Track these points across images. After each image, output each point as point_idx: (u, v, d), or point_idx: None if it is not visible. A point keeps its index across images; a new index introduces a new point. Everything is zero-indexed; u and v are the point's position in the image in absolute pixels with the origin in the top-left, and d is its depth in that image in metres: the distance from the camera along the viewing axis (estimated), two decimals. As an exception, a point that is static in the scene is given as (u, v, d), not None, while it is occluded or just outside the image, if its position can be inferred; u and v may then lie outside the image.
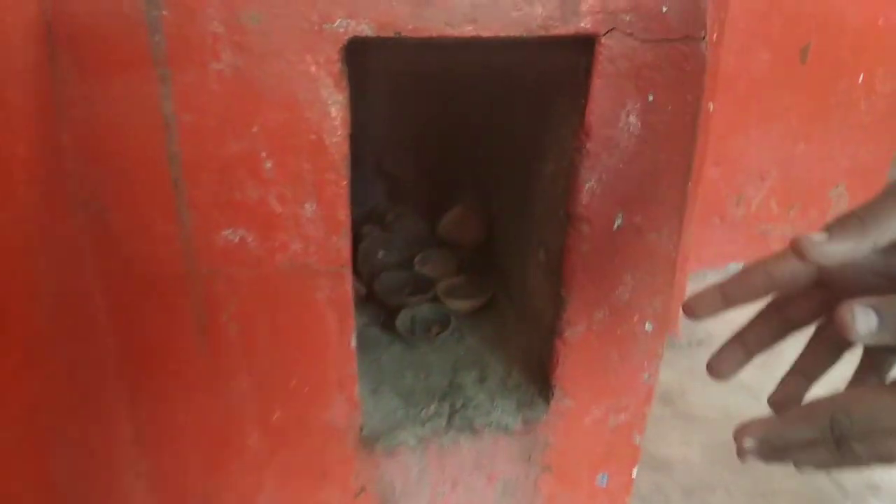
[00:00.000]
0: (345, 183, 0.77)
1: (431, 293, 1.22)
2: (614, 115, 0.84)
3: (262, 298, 0.79)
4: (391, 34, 0.73)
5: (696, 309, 0.44)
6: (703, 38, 0.85)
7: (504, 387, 1.04)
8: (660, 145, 0.87)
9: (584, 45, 0.82)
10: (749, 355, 0.47)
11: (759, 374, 2.09)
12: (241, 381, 0.84)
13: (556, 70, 0.95)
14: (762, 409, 1.62)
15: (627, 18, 0.80)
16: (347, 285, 0.81)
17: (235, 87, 0.70)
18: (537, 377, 1.04)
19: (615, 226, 0.90)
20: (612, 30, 0.80)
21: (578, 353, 0.96)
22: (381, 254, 1.37)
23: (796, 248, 0.36)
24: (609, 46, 0.81)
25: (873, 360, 0.43)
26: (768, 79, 2.30)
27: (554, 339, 0.95)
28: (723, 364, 0.46)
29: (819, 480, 1.68)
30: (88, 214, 0.72)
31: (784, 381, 0.47)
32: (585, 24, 0.79)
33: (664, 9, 0.81)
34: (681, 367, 2.01)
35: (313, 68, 0.71)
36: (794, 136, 2.43)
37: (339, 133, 0.75)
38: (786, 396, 0.46)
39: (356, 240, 1.31)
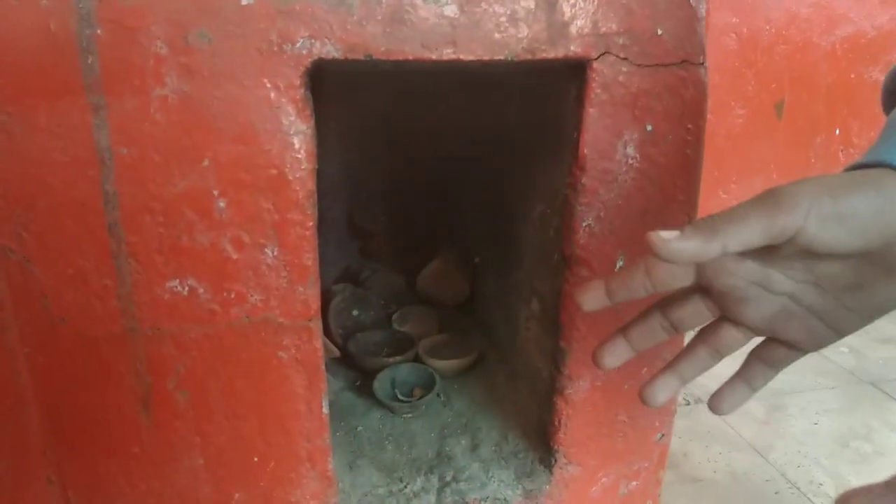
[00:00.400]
0: (311, 224, 0.67)
1: (412, 353, 1.12)
2: (611, 147, 0.77)
3: (216, 360, 0.69)
4: (361, 56, 0.65)
5: (581, 301, 0.44)
6: (703, 63, 0.78)
7: (499, 454, 0.92)
8: (661, 179, 0.79)
9: (575, 70, 0.75)
10: (632, 350, 0.46)
11: (764, 430, 1.98)
12: (194, 460, 0.72)
13: (543, 101, 0.88)
14: (767, 467, 1.50)
15: (620, 41, 0.73)
16: (316, 342, 0.71)
17: (182, 115, 0.62)
18: (537, 442, 0.92)
19: (616, 267, 0.81)
20: (604, 53, 0.73)
21: (583, 413, 0.85)
22: (355, 312, 1.26)
23: (649, 244, 0.36)
24: (602, 72, 0.73)
25: (752, 368, 0.45)
26: (746, 134, 2.31)
27: (554, 397, 0.85)
28: (605, 356, 0.46)
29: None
30: (9, 264, 0.62)
31: (658, 378, 0.46)
32: (575, 48, 0.72)
33: (659, 31, 0.75)
34: (680, 428, 1.89)
35: (273, 94, 0.63)
36: (776, 191, 2.44)
37: (304, 167, 0.66)
38: (655, 391, 0.46)
39: (327, 298, 1.21)
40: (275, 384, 0.71)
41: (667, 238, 0.36)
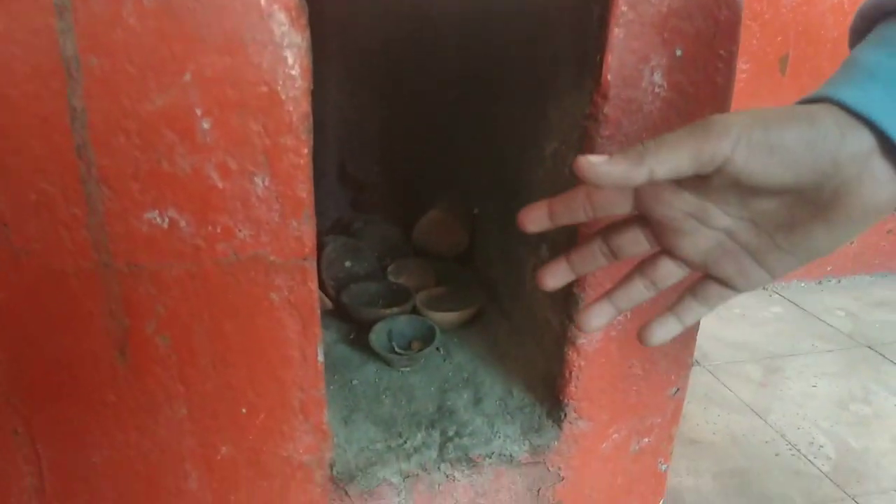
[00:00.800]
0: (306, 151, 0.60)
1: (409, 305, 1.05)
2: (636, 73, 0.70)
3: (201, 301, 0.62)
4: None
5: (525, 222, 0.44)
6: (737, -17, 0.71)
7: (504, 409, 0.87)
8: (690, 110, 0.73)
9: (599, -14, 0.67)
10: (573, 273, 0.46)
11: (761, 392, 1.95)
12: (176, 410, 0.66)
13: (559, 25, 0.80)
14: (767, 429, 1.46)
15: (650, -46, 0.66)
16: (312, 283, 0.64)
17: (160, 21, 0.54)
18: (544, 396, 0.87)
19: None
20: (632, -33, 0.66)
21: (595, 365, 0.80)
22: (347, 263, 1.19)
23: (575, 167, 0.37)
24: (629, -13, 0.66)
25: (685, 303, 0.45)
26: (750, 90, 2.24)
27: (565, 348, 0.79)
28: (546, 277, 0.46)
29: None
30: (-38, 190, 0.55)
31: (593, 305, 0.46)
32: (600, -40, 0.64)
33: (692, -56, 0.67)
34: (678, 388, 1.86)
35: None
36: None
37: (298, 85, 0.58)
38: (589, 317, 0.46)
39: (318, 248, 1.14)
40: (266, 328, 0.65)
41: (594, 162, 0.36)
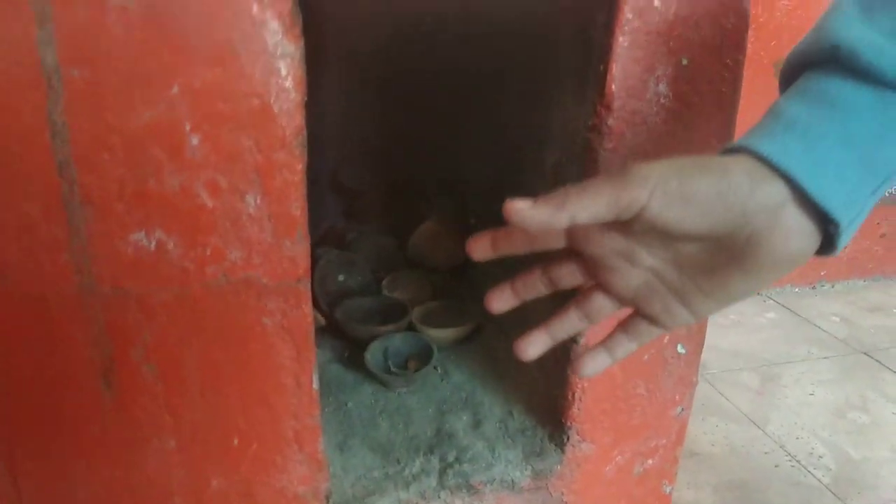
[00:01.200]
0: (300, 167, 0.58)
1: (405, 321, 1.02)
2: (641, 83, 0.67)
3: (190, 327, 0.59)
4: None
5: (471, 250, 0.46)
6: (743, -10, 0.69)
7: (505, 432, 0.84)
8: (695, 121, 0.71)
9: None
10: (516, 298, 0.48)
11: (759, 401, 1.93)
12: (164, 442, 0.62)
13: (563, 29, 0.78)
14: (765, 439, 1.43)
15: (655, -39, 0.64)
16: (306, 306, 0.61)
17: (146, 30, 0.51)
18: (546, 419, 0.84)
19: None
20: (637, -26, 0.63)
21: (599, 386, 0.77)
22: (341, 277, 1.16)
23: (503, 211, 0.39)
24: (634, -5, 0.64)
25: (615, 337, 0.46)
26: (744, 94, 2.23)
27: (568, 370, 0.76)
28: (493, 300, 0.48)
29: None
30: (-66, 212, 0.51)
31: (531, 334, 0.48)
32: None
33: (698, -51, 0.65)
34: (675, 399, 1.84)
35: (255, 7, 0.52)
36: (773, 154, 2.40)
37: (292, 97, 0.56)
38: (526, 346, 0.47)
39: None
40: (258, 355, 0.62)
41: (520, 207, 0.38)
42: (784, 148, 0.37)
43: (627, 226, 0.39)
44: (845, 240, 0.38)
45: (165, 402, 0.61)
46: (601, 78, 0.67)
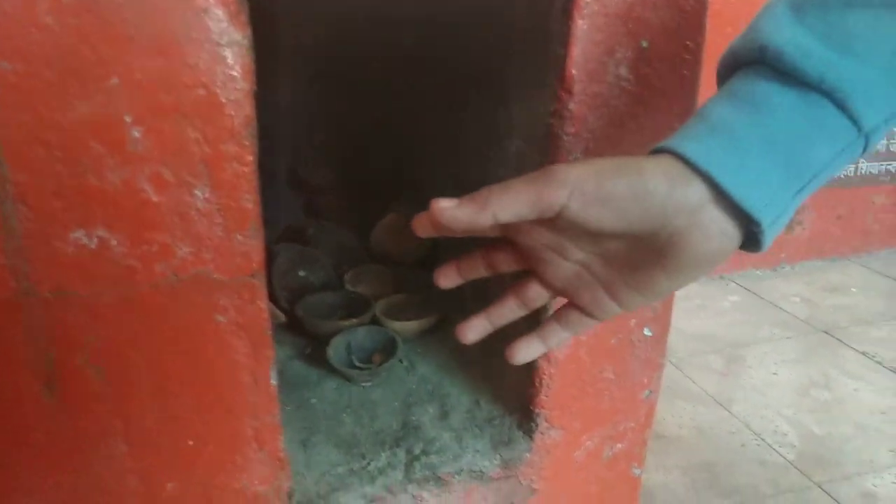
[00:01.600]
0: (250, 158, 0.55)
1: (368, 315, 1.00)
2: (601, 66, 0.66)
3: (138, 328, 0.56)
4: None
5: (440, 280, 0.48)
6: (701, -29, 0.68)
7: (472, 422, 0.83)
8: (657, 103, 0.70)
9: (560, -25, 0.64)
10: (460, 277, 0.49)
11: (724, 382, 1.96)
12: (115, 447, 0.60)
13: (519, 15, 0.76)
14: (732, 420, 1.46)
15: (612, -60, 0.62)
16: (261, 301, 0.59)
17: (81, 18, 0.48)
18: (513, 407, 0.83)
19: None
20: (594, -45, 0.62)
21: (566, 372, 0.76)
22: (301, 273, 1.13)
23: (429, 210, 0.40)
24: (592, -24, 0.62)
25: (548, 326, 0.47)
26: (706, 78, 2.24)
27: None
28: (440, 277, 0.49)
29: (814, 493, 1.53)
30: None
31: (471, 320, 0.49)
32: (562, -52, 0.60)
33: (655, -71, 0.64)
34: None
35: (196, -9, 0.50)
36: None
37: (240, 87, 0.53)
38: (466, 330, 0.49)
39: (269, 258, 1.08)
40: (212, 353, 0.59)
41: (444, 206, 0.39)
42: (706, 149, 0.37)
43: (552, 222, 0.40)
44: (769, 238, 0.39)
45: (114, 406, 0.58)
46: (561, 62, 0.65)
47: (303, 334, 1.01)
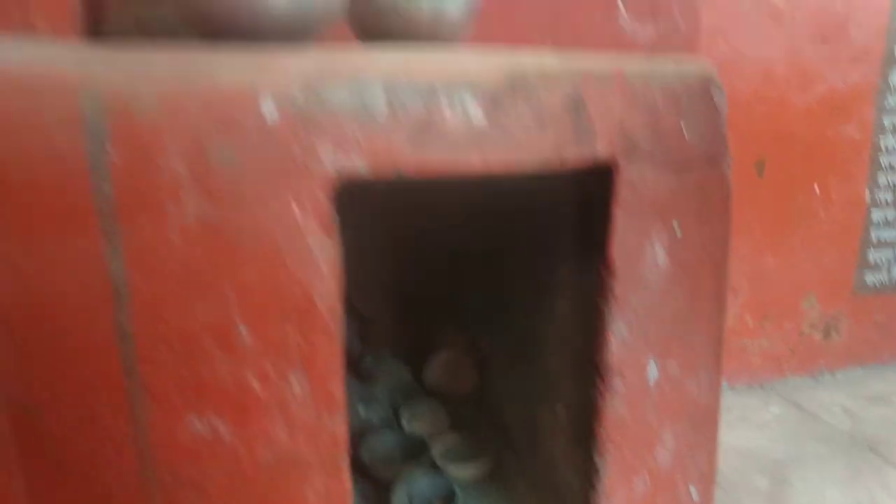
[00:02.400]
0: (339, 349, 0.63)
1: (426, 457, 1.05)
2: (639, 250, 0.74)
3: None
4: (390, 172, 0.61)
5: None
6: (727, 164, 0.77)
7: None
8: (691, 283, 0.77)
9: (601, 171, 0.72)
10: None
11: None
12: None
13: (565, 203, 0.85)
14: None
15: (647, 141, 0.71)
16: (345, 474, 0.65)
17: (202, 240, 0.57)
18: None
19: (650, 376, 0.77)
20: (631, 152, 0.71)
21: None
22: (361, 410, 1.20)
23: None
24: (629, 172, 0.71)
25: None
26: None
27: (589, 513, 0.80)
28: None
29: None
30: (11, 414, 0.56)
31: None
32: (602, 149, 0.70)
33: (684, 130, 0.73)
34: None
35: (298, 213, 0.59)
36: (761, 250, 2.44)
37: (331, 288, 0.62)
38: None
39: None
40: (301, 524, 0.65)
41: None
42: None
43: None
44: None
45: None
46: (603, 246, 0.73)
47: (362, 473, 1.05)
